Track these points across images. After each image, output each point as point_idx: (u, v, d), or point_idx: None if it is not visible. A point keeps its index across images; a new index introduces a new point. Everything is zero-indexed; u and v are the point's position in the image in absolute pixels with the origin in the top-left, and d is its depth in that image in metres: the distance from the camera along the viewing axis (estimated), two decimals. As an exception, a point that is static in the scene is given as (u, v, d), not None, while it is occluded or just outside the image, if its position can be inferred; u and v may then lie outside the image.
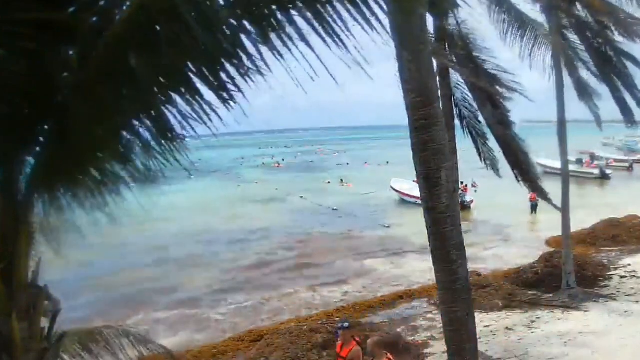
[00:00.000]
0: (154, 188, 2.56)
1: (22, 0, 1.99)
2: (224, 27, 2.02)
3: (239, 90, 2.16)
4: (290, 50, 2.02)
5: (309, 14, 2.01)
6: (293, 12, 2.02)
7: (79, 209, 2.56)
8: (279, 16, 2.02)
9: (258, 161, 65.33)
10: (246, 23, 2.04)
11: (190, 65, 2.16)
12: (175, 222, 26.06)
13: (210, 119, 2.24)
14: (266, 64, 2.07)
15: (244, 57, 2.09)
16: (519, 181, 10.99)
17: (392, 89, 6.33)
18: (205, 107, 2.23)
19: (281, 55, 2.02)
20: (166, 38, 1.96)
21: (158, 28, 1.98)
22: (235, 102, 2.18)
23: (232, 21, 2.03)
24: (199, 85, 2.20)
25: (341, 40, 2.00)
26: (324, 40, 2.01)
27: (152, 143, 2.36)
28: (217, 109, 2.23)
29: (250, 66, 2.09)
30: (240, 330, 12.45)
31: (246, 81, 2.14)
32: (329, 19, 2.01)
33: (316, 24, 2.01)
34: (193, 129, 2.31)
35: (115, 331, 4.22)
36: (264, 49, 2.06)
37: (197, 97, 2.21)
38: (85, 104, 2.12)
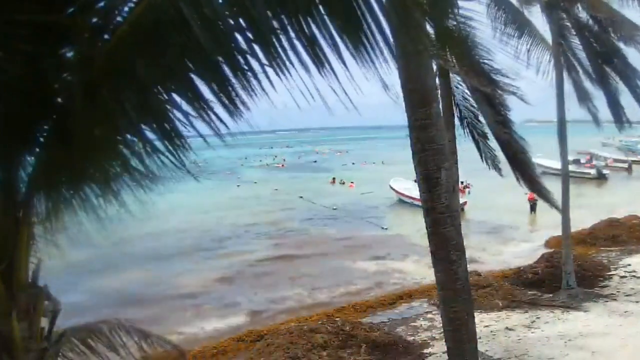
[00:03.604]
0: (154, 188, 2.55)
1: (20, 1, 1.99)
2: (224, 30, 2.01)
3: (242, 102, 2.15)
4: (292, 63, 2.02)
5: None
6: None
7: (80, 209, 2.56)
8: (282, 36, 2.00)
9: (260, 161, 65.19)
10: (249, 34, 2.03)
11: (194, 69, 2.16)
12: (172, 222, 25.97)
13: (216, 120, 2.23)
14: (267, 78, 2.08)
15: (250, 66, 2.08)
16: (519, 181, 10.96)
17: (392, 90, 6.32)
18: (209, 110, 2.22)
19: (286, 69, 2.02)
20: (172, 42, 1.96)
21: (163, 32, 1.99)
22: (242, 114, 2.17)
23: (238, 36, 2.03)
24: (202, 87, 2.19)
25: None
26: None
27: (154, 143, 2.37)
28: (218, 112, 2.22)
29: (253, 80, 2.08)
30: (240, 330, 12.44)
31: (250, 91, 2.13)
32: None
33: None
34: (195, 129, 2.32)
35: (114, 326, 4.13)
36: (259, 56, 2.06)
37: (200, 99, 2.20)
38: (87, 104, 2.12)
